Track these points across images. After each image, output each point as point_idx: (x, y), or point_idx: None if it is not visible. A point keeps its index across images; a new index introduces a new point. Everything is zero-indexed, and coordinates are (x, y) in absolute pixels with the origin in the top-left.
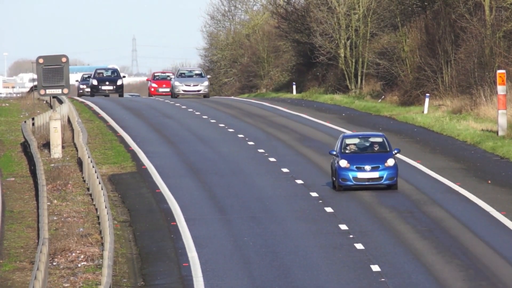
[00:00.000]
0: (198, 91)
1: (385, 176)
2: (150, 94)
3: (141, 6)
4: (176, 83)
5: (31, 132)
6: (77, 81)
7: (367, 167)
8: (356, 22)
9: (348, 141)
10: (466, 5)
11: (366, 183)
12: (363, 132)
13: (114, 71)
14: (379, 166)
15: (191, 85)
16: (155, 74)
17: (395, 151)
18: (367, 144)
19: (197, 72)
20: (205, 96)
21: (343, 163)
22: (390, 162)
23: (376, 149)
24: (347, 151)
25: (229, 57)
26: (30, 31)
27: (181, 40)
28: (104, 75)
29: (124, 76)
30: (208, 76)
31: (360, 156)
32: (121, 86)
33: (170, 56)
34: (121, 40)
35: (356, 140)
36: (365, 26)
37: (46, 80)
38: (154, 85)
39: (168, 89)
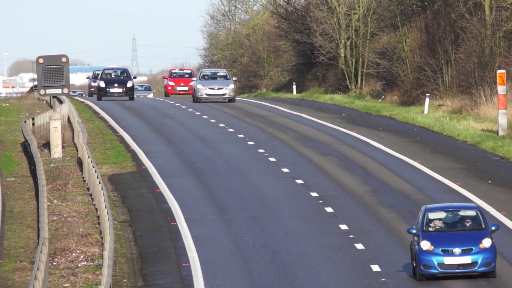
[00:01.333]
0: (223, 94)
1: (479, 261)
2: (166, 94)
3: (141, 6)
4: (199, 86)
5: (31, 132)
6: (88, 78)
7: (457, 250)
8: (356, 22)
9: (431, 215)
10: (466, 5)
11: (456, 270)
12: (450, 204)
13: (124, 71)
14: (472, 249)
15: (215, 88)
16: (172, 71)
17: (493, 228)
18: (457, 219)
19: (221, 73)
20: (230, 100)
21: (425, 245)
22: (486, 243)
23: (468, 225)
24: (430, 229)
25: (229, 57)
26: (30, 31)
27: (181, 40)
28: (113, 76)
29: (135, 77)
30: (234, 78)
31: (448, 235)
32: (132, 88)
33: (170, 56)
34: (121, 40)
35: (442, 214)
36: (365, 26)
37: (46, 80)
38: (171, 83)
39: (186, 88)
